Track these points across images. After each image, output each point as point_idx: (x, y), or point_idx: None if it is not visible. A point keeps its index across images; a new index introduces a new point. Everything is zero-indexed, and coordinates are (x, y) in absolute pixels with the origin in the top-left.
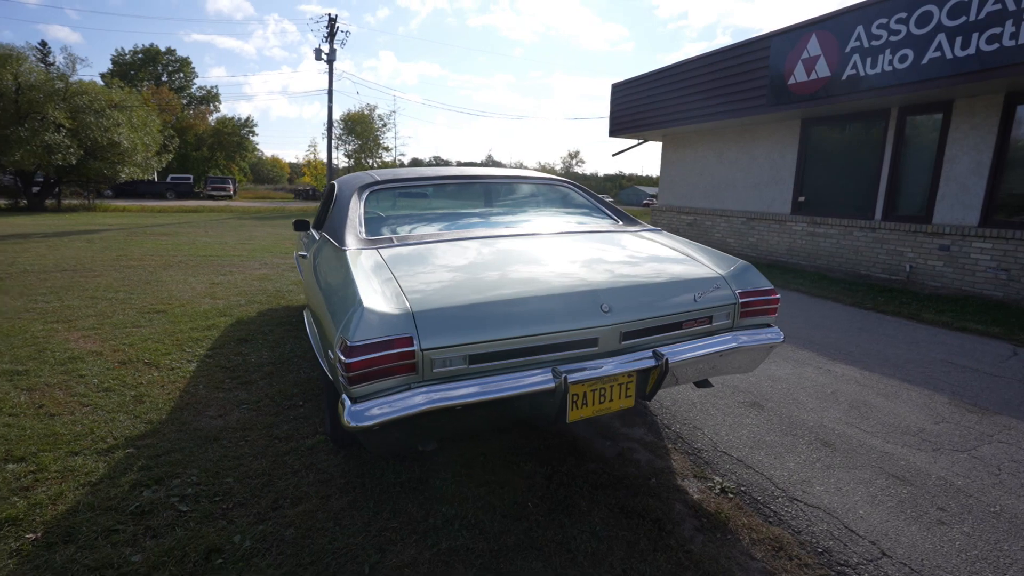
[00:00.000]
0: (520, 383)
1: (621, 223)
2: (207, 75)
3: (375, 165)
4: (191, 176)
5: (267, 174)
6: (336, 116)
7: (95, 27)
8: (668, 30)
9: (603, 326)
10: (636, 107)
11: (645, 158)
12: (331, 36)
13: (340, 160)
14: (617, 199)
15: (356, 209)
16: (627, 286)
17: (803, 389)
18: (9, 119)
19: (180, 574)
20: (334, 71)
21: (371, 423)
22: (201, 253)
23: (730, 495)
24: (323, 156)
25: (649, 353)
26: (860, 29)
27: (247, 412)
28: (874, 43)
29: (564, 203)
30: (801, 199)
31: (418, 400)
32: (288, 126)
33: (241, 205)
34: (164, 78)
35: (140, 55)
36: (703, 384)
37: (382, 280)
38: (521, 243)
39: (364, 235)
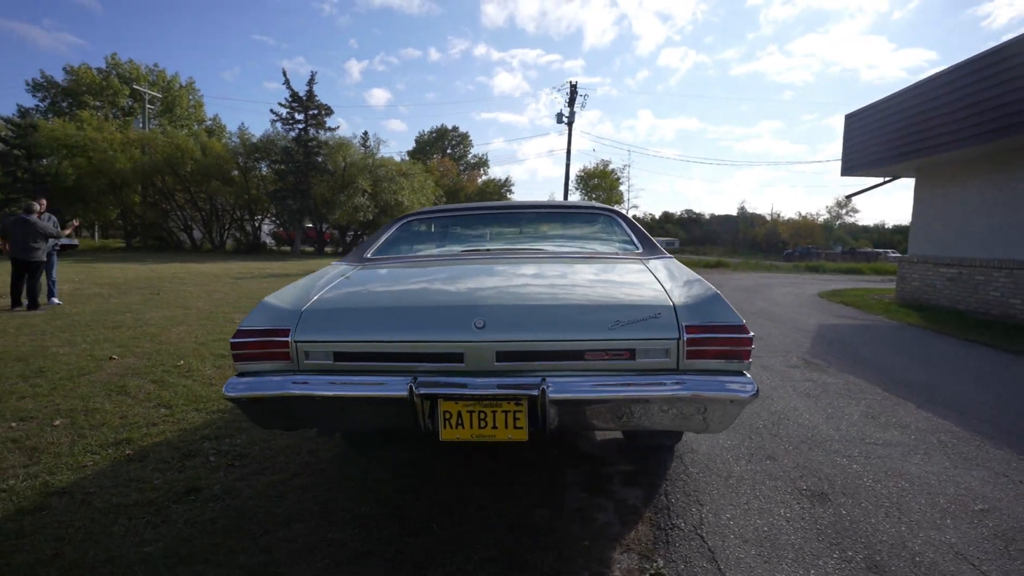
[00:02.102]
0: (372, 387)
1: (640, 250)
2: (488, 144)
3: None
4: None
5: None
6: (576, 171)
7: (417, 115)
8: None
9: (471, 342)
10: (880, 136)
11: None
12: (571, 101)
13: None
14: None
15: (384, 234)
16: (513, 304)
17: (923, 490)
18: (336, 188)
19: (169, 497)
20: (574, 132)
21: (234, 395)
22: None
23: None
24: None
25: (534, 380)
26: None
27: None
28: None
29: (592, 230)
30: None
31: (274, 386)
32: (550, 183)
33: None
34: (449, 150)
35: (434, 134)
36: (660, 441)
37: (326, 287)
38: (484, 265)
39: (368, 255)
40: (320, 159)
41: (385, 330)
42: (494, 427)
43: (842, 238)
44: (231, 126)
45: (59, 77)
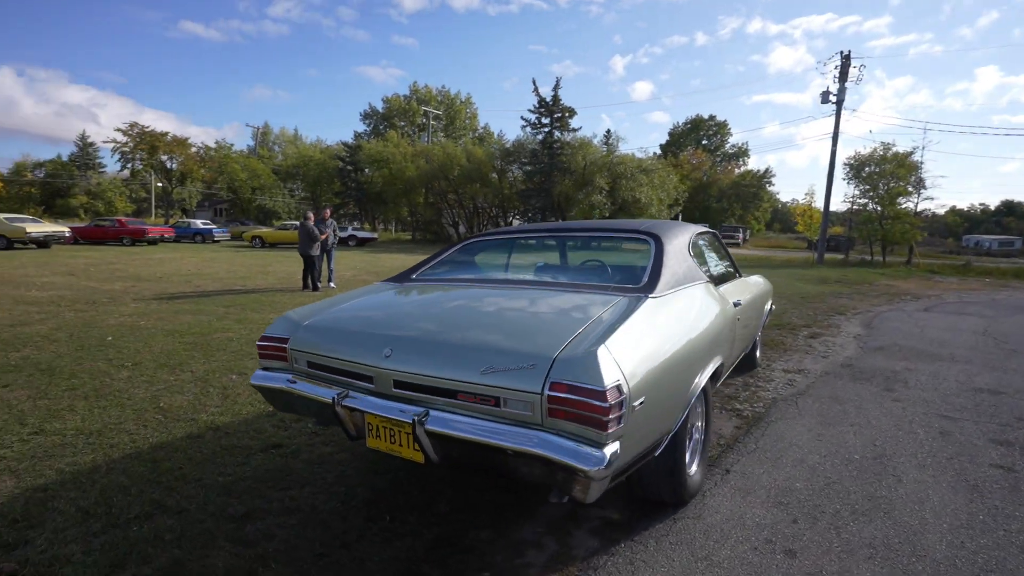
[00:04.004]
0: (313, 392)
1: (642, 284)
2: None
3: (886, 214)
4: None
5: (792, 222)
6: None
7: (680, 106)
8: None
9: (379, 367)
10: None
11: None
12: (842, 76)
13: (838, 205)
14: None
15: (442, 255)
16: (412, 338)
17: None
18: (575, 187)
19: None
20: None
21: (254, 383)
22: None
23: None
24: (821, 203)
25: (417, 409)
26: None
27: None
28: None
29: (622, 257)
30: None
31: (272, 380)
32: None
33: (742, 253)
34: (704, 141)
35: (688, 125)
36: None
37: (339, 303)
38: (482, 291)
39: (414, 275)
40: (563, 159)
41: (334, 349)
42: (400, 445)
43: None
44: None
45: (379, 106)
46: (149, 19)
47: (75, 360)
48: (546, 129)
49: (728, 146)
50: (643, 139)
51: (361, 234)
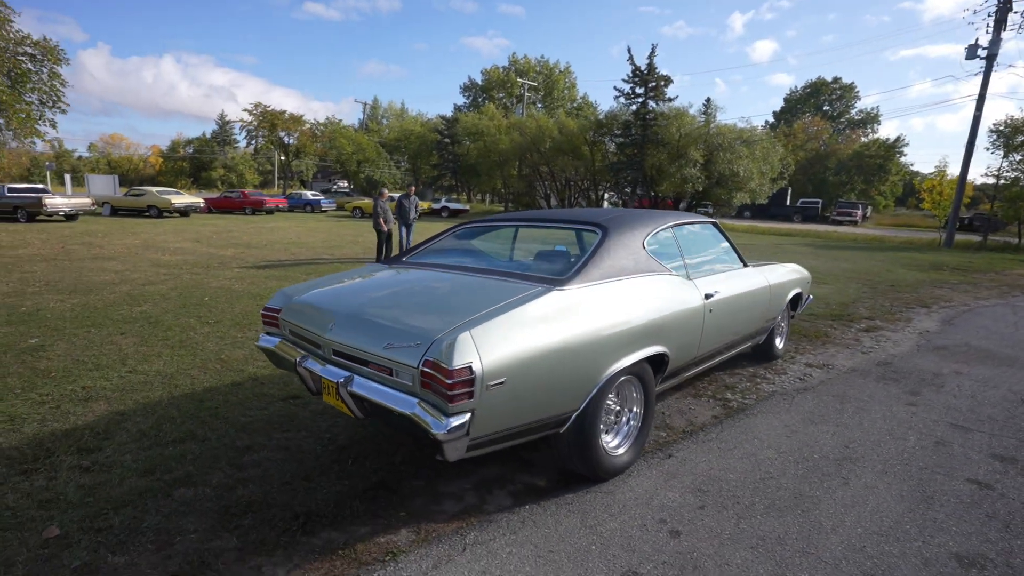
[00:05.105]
0: (287, 355)
1: (566, 276)
2: (904, 89)
3: None
4: (820, 201)
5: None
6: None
7: (808, 65)
8: None
9: (324, 338)
10: None
11: None
12: (997, 24)
13: (977, 178)
14: None
15: (434, 239)
16: (347, 315)
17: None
18: (669, 159)
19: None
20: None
21: (258, 345)
22: None
23: None
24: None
25: (343, 373)
26: None
27: None
28: None
29: (570, 247)
30: None
31: (267, 343)
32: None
33: (856, 232)
34: (826, 107)
35: (808, 89)
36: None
37: (327, 283)
38: (431, 274)
39: (405, 257)
40: (656, 130)
41: (301, 320)
42: (337, 400)
43: None
44: (607, 103)
45: (478, 79)
46: (279, 2)
47: (175, 316)
48: (640, 99)
49: (854, 111)
50: (762, 105)
51: (453, 206)
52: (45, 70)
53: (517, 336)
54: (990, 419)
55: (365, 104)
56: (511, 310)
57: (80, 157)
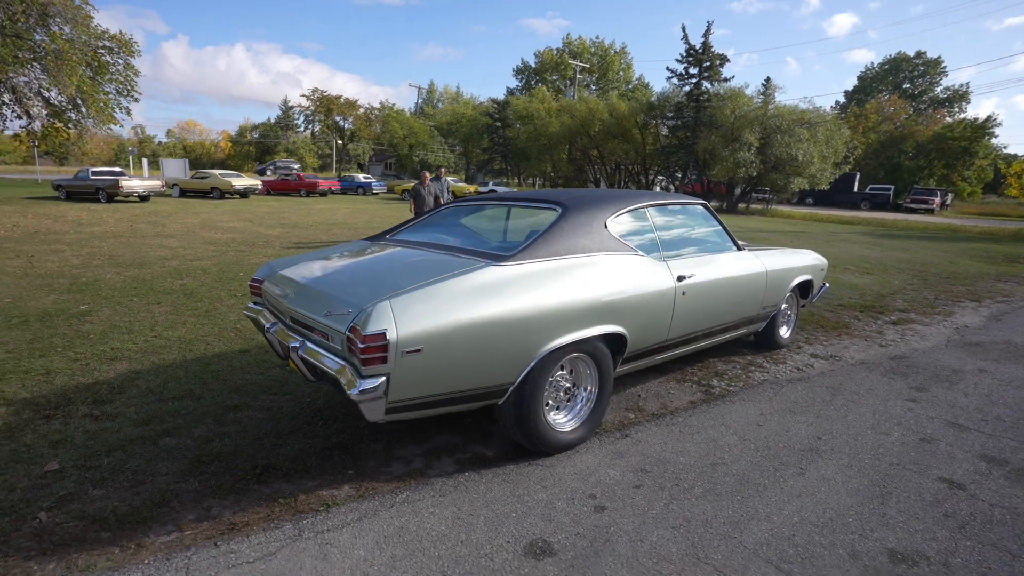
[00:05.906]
0: (262, 321)
1: (511, 253)
2: (1013, 59)
3: None
4: (891, 187)
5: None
6: None
7: (891, 39)
8: None
9: (286, 306)
10: None
11: None
12: None
13: None
14: None
15: (416, 218)
16: (302, 286)
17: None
18: (722, 142)
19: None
20: None
21: (245, 313)
22: None
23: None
24: None
25: (297, 339)
26: None
27: None
28: None
29: (528, 224)
30: None
31: (251, 312)
32: None
33: (929, 221)
34: (906, 84)
35: (885, 66)
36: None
37: (310, 258)
38: (393, 251)
39: (388, 236)
40: (709, 112)
41: (274, 291)
42: (295, 363)
43: None
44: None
45: (532, 61)
46: None
47: (209, 289)
48: (693, 80)
49: (939, 89)
50: (834, 85)
51: (501, 190)
52: (121, 62)
53: (442, 308)
54: (996, 419)
55: (420, 88)
56: (439, 283)
57: (160, 143)
